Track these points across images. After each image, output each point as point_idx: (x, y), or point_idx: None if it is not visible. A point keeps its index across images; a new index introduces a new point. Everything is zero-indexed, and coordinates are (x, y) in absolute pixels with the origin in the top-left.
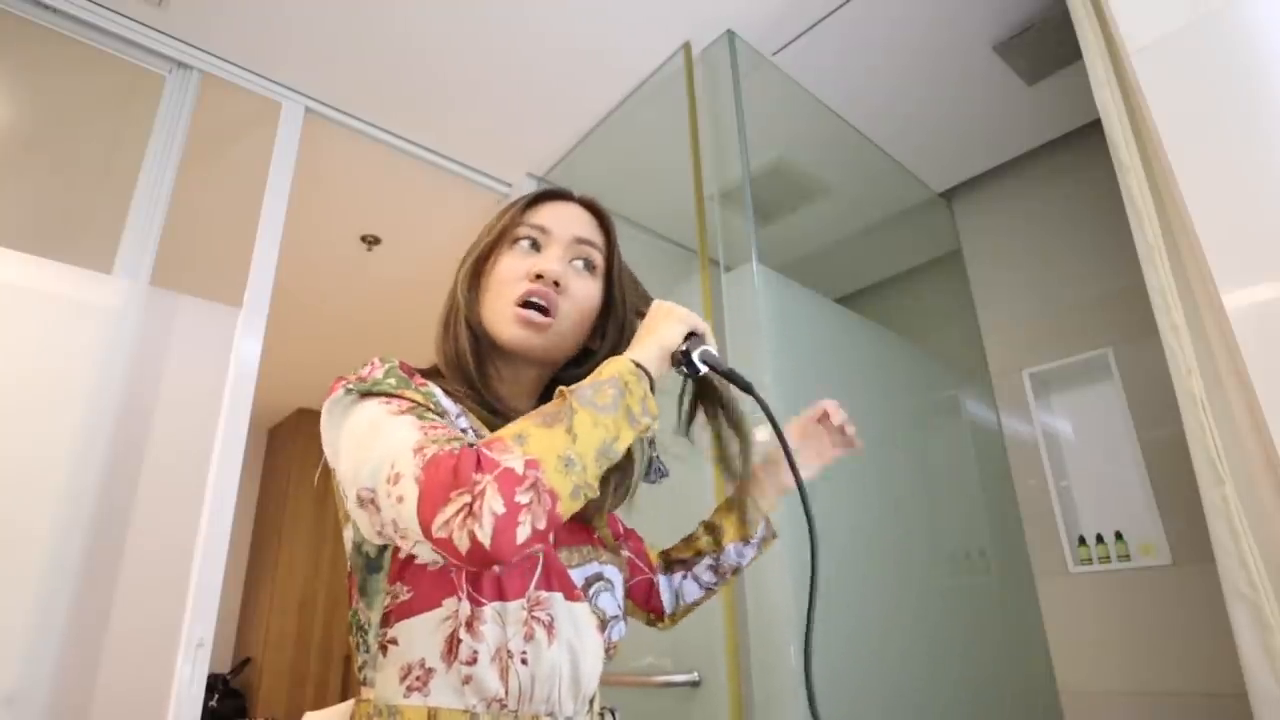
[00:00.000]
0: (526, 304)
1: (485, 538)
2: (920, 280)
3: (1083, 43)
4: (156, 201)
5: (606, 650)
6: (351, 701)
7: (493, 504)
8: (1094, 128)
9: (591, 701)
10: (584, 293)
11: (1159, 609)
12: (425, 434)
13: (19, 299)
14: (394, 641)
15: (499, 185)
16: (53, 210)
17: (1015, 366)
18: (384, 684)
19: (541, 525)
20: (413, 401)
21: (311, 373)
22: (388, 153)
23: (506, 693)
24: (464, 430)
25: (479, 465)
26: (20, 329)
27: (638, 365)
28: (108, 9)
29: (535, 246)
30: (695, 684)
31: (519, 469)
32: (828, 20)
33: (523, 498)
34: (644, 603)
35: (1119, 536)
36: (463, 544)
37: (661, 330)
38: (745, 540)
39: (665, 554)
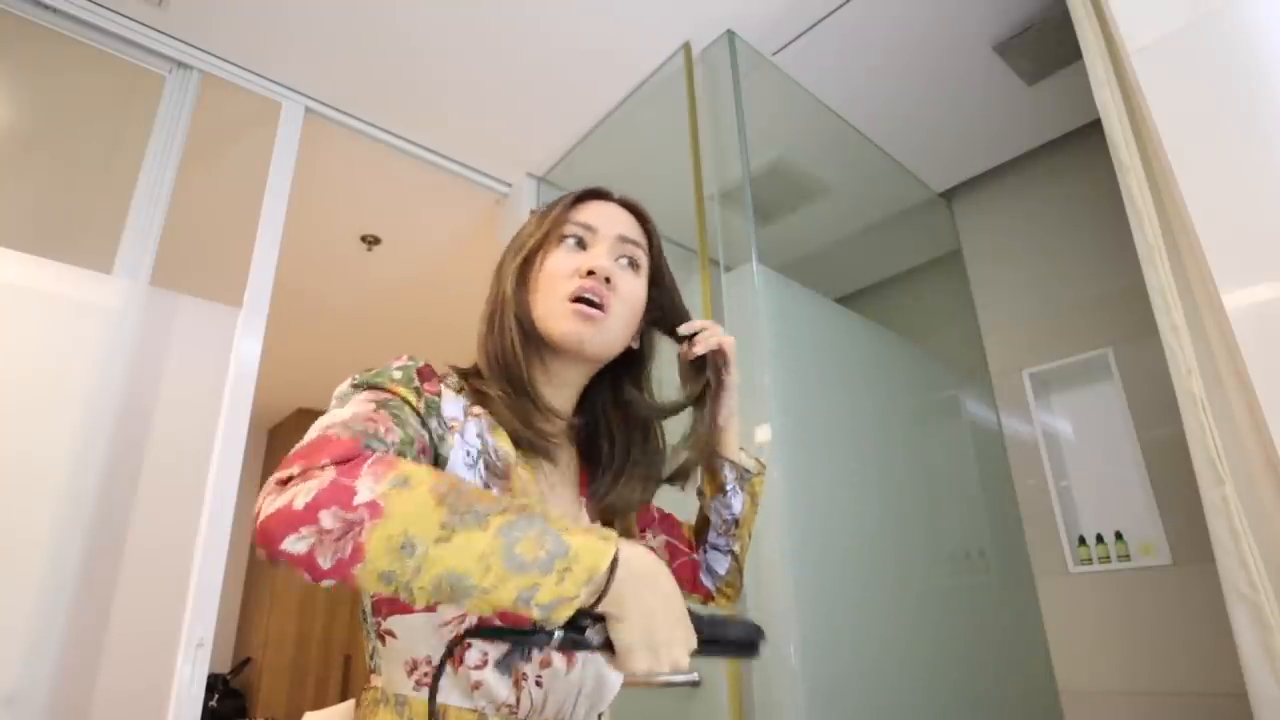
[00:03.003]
0: (579, 299)
1: (264, 513)
2: (920, 280)
3: (1083, 43)
4: (156, 201)
5: None
6: (351, 702)
7: (299, 497)
8: (1094, 128)
9: (600, 716)
10: (631, 289)
11: (1159, 609)
12: (347, 418)
13: (19, 299)
14: (391, 634)
15: (499, 185)
16: (53, 210)
17: (1015, 366)
18: (390, 674)
19: (325, 565)
20: (394, 395)
21: (311, 373)
22: (388, 153)
23: (518, 704)
24: (466, 452)
25: (343, 459)
26: (20, 329)
27: (607, 581)
28: (108, 9)
29: (581, 244)
30: (695, 684)
31: (360, 499)
32: (828, 20)
33: (328, 522)
34: (692, 586)
35: (1119, 536)
36: (258, 511)
37: (652, 625)
38: (722, 490)
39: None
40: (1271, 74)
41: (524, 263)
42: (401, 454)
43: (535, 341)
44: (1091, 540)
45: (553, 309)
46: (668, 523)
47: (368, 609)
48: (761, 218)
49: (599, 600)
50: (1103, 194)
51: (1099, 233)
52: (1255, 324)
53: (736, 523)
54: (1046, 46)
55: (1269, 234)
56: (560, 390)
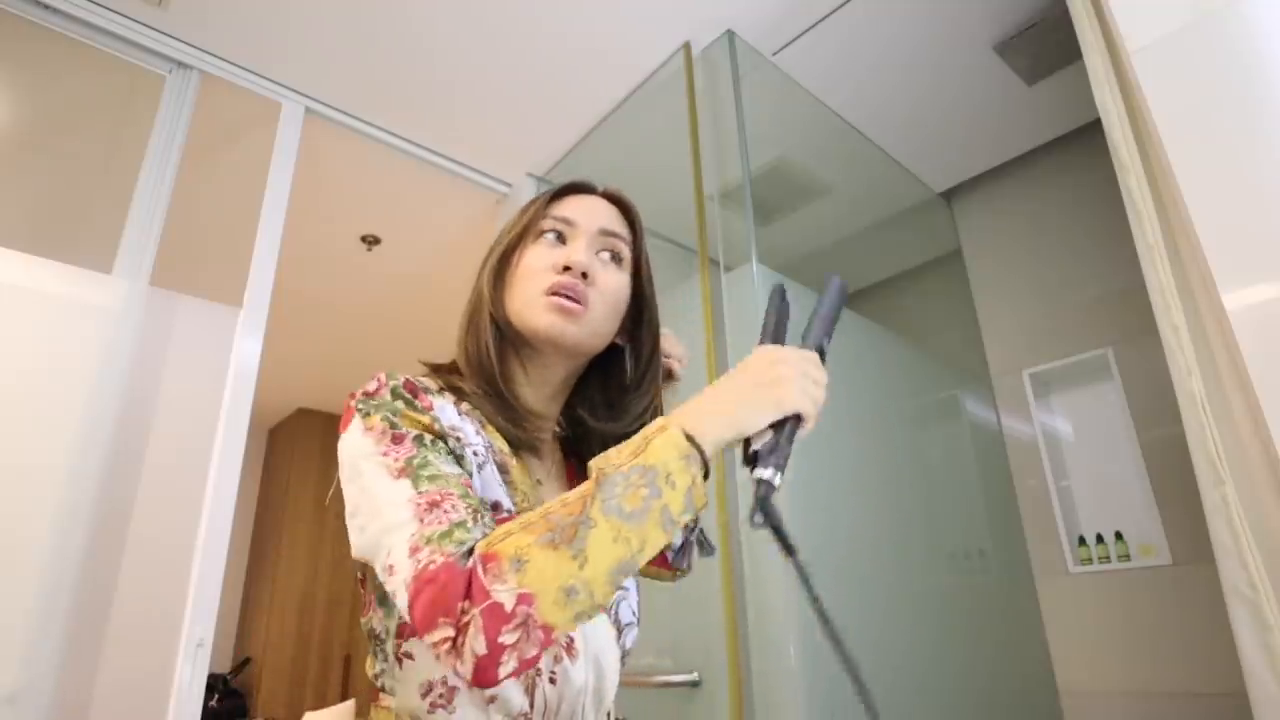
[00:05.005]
0: (555, 294)
1: (467, 673)
2: (920, 280)
3: (1083, 43)
4: (156, 201)
5: (621, 657)
6: (351, 702)
7: (475, 644)
8: (1094, 128)
9: (609, 714)
10: (613, 284)
11: (1159, 609)
12: (422, 524)
13: (19, 299)
14: (409, 656)
15: (499, 185)
16: (53, 210)
17: (1015, 366)
18: (405, 695)
19: (531, 654)
20: (415, 440)
21: (312, 373)
22: (388, 153)
23: (532, 708)
24: (474, 453)
25: (468, 592)
26: (20, 329)
27: (694, 446)
28: (108, 9)
29: (561, 239)
30: (695, 684)
31: (508, 605)
32: (828, 20)
33: (508, 637)
34: (666, 565)
35: (1119, 536)
36: (455, 673)
37: (749, 405)
38: None
39: None
40: (1271, 74)
41: (501, 260)
42: (475, 510)
43: (513, 340)
44: (1091, 540)
45: (529, 303)
46: None
47: (390, 630)
48: (761, 218)
49: (709, 458)
50: (1103, 194)
51: (1099, 233)
52: (1255, 324)
53: None
54: (1046, 46)
55: (1269, 234)
56: (541, 389)
